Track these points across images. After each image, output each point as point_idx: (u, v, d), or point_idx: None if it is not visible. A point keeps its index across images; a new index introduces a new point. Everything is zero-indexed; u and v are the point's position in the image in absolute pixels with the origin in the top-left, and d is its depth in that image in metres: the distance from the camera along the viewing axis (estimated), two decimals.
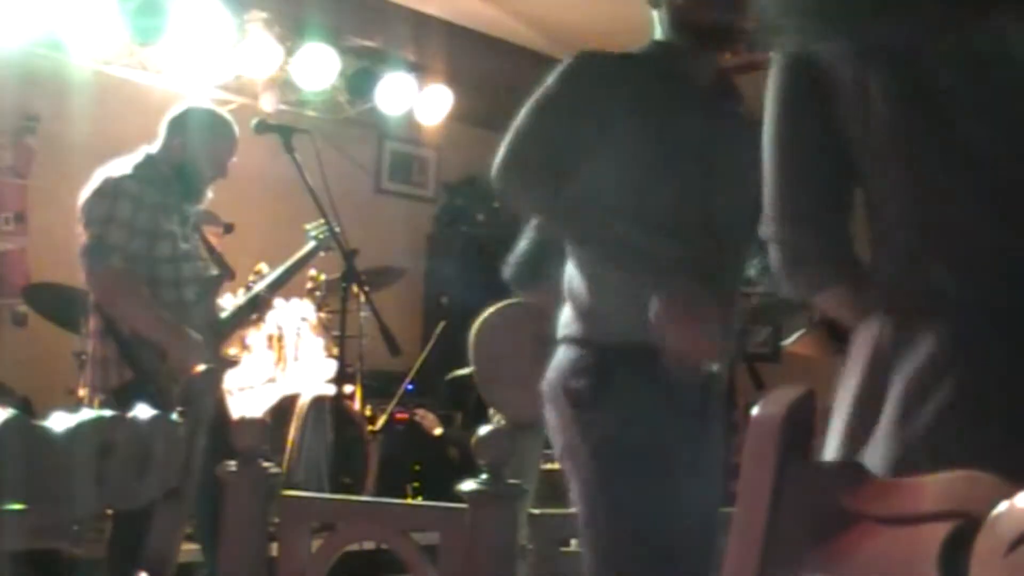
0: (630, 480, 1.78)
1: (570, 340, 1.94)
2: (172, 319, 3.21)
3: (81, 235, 3.23)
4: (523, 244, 3.74)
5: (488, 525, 1.79)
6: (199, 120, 3.44)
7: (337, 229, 3.89)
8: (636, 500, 1.78)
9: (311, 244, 3.93)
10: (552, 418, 1.93)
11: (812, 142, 1.33)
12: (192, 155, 3.36)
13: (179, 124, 3.40)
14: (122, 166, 3.26)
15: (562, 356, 1.95)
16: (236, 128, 3.50)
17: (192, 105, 3.51)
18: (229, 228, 4.73)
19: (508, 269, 3.75)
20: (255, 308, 3.92)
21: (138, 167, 3.27)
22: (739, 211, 1.93)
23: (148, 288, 3.21)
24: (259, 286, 3.85)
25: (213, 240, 4.29)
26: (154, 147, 3.36)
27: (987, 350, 1.17)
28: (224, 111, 3.59)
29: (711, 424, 1.91)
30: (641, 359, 1.79)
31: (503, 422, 3.68)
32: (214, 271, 3.53)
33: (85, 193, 3.22)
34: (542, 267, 3.64)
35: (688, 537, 1.77)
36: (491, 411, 3.78)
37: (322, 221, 3.92)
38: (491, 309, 3.74)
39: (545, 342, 3.56)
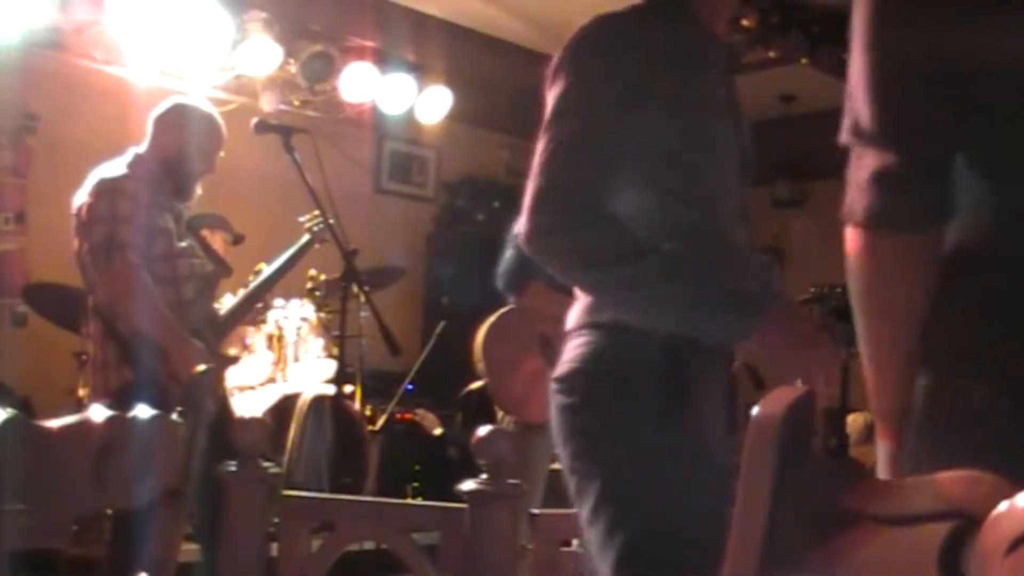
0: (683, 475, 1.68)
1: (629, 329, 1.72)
2: (176, 321, 3.21)
3: (76, 237, 3.23)
4: (509, 252, 3.77)
5: (488, 525, 1.79)
6: (185, 116, 3.43)
7: (332, 222, 3.89)
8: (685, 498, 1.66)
9: (305, 237, 3.93)
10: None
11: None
12: (180, 151, 3.35)
13: (165, 121, 3.39)
14: (114, 167, 3.26)
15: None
16: (222, 122, 3.50)
17: (177, 101, 3.50)
18: (239, 239, 4.73)
19: (500, 279, 3.78)
20: (253, 305, 3.92)
21: (129, 166, 3.27)
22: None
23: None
24: (256, 282, 3.85)
25: (219, 246, 4.29)
26: (142, 146, 3.36)
27: None
28: (210, 106, 3.58)
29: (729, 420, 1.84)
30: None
31: (512, 424, 3.69)
32: (210, 269, 3.53)
33: (81, 195, 3.22)
34: (530, 270, 3.67)
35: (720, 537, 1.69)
36: (500, 414, 3.79)
37: (315, 213, 3.92)
38: (495, 315, 3.76)
39: (549, 342, 3.59)
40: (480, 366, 3.79)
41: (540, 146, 1.69)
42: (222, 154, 3.50)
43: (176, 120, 3.39)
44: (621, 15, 1.76)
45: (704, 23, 1.83)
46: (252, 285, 3.87)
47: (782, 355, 1.63)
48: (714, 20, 1.85)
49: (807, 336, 1.65)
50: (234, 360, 3.79)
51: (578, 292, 1.81)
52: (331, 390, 4.54)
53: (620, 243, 1.64)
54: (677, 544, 1.64)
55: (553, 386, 1.77)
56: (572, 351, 1.75)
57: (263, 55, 5.62)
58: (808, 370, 1.63)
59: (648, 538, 1.66)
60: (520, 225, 1.67)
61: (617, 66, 1.70)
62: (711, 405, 1.74)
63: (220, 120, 3.49)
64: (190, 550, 3.25)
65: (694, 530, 1.61)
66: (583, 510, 1.72)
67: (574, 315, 1.80)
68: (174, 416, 1.65)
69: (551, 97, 1.72)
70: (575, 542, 2.09)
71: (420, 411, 5.69)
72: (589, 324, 1.75)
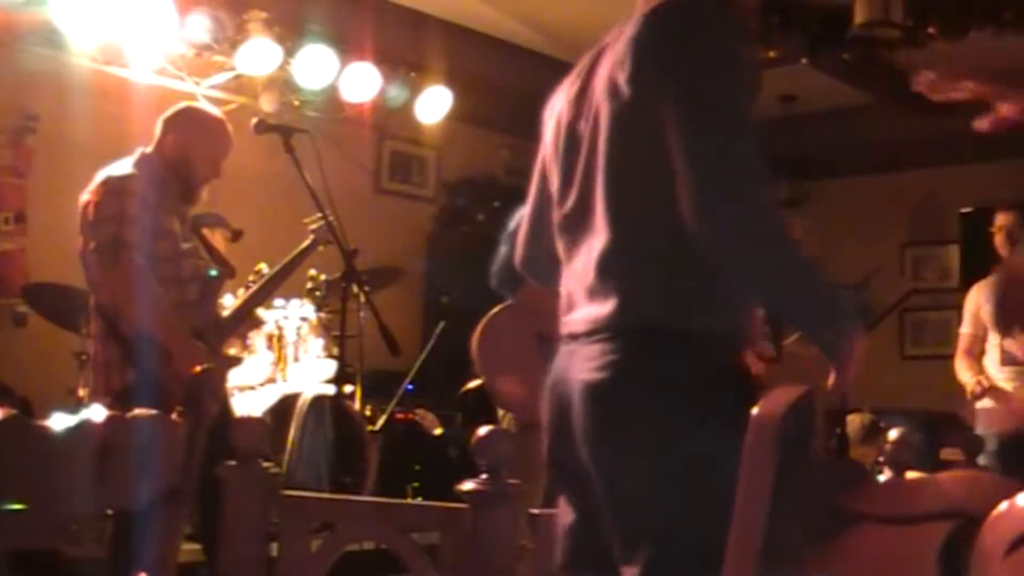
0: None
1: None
2: (179, 322, 3.21)
3: (80, 237, 3.22)
4: (504, 250, 3.75)
5: (488, 525, 1.79)
6: (194, 120, 3.43)
7: (334, 220, 3.89)
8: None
9: (309, 239, 3.92)
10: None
11: None
12: (187, 155, 3.36)
13: (174, 124, 3.40)
14: (122, 166, 3.26)
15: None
16: (230, 128, 3.50)
17: (187, 105, 3.51)
18: (238, 235, 4.73)
19: (494, 277, 3.77)
20: (257, 307, 3.91)
21: (136, 167, 3.27)
22: None
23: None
24: (260, 284, 3.86)
25: (220, 244, 4.29)
26: (149, 147, 3.37)
27: None
28: (219, 111, 3.59)
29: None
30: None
31: (513, 423, 3.69)
32: (214, 270, 3.53)
33: (87, 194, 3.22)
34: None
35: None
36: (500, 413, 3.78)
37: (319, 216, 3.91)
38: (490, 312, 3.74)
39: (547, 340, 3.57)
40: (477, 364, 3.77)
41: (708, 133, 1.66)
42: (227, 159, 3.50)
43: (185, 124, 3.40)
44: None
45: None
46: (255, 287, 3.87)
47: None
48: None
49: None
50: (237, 361, 3.80)
51: (592, 293, 1.75)
52: (331, 390, 4.54)
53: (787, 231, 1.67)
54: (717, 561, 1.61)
55: (582, 391, 1.71)
56: (600, 355, 1.69)
57: (263, 55, 5.62)
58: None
59: (690, 552, 1.63)
60: (706, 211, 1.63)
61: (740, 49, 1.72)
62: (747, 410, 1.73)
63: (228, 126, 3.50)
64: (190, 550, 3.25)
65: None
66: (644, 526, 1.66)
67: (587, 316, 1.74)
68: (174, 416, 1.65)
69: (685, 74, 1.67)
70: None
71: (420, 411, 5.69)
72: (614, 328, 1.69)
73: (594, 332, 1.72)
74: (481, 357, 3.72)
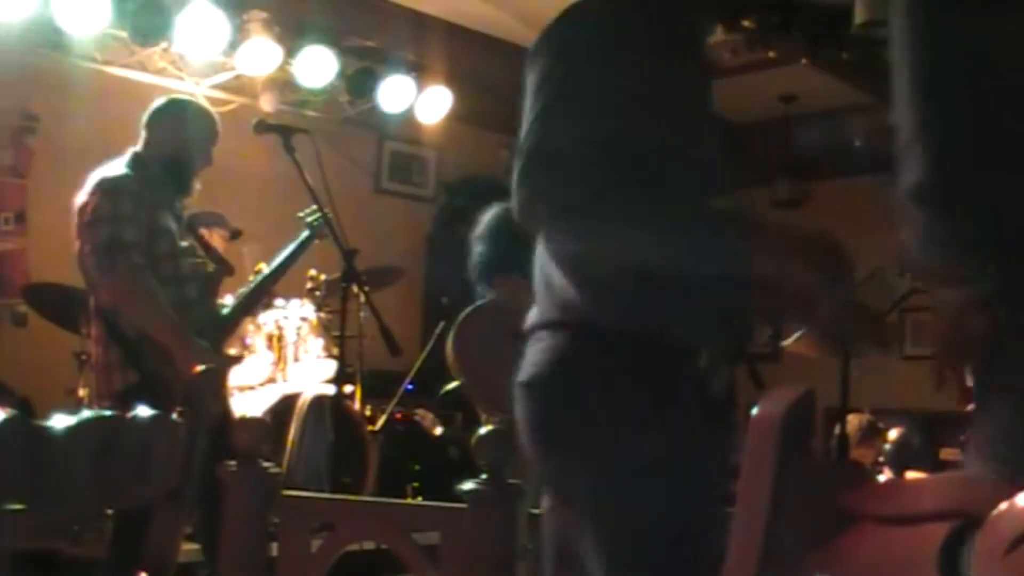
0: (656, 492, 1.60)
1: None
2: (181, 322, 3.21)
3: (77, 238, 3.22)
4: (479, 248, 3.75)
5: (488, 525, 1.79)
6: (180, 112, 3.43)
7: (330, 216, 3.89)
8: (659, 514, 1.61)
9: (305, 232, 3.92)
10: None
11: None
12: (180, 148, 3.36)
13: (161, 119, 3.40)
14: (114, 167, 3.26)
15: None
16: (215, 114, 3.50)
17: (170, 98, 3.51)
18: (237, 233, 4.73)
19: (473, 272, 3.75)
20: (255, 304, 3.91)
21: (129, 166, 3.27)
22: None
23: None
24: (257, 280, 3.85)
25: (219, 243, 4.29)
26: (138, 145, 3.37)
27: None
28: (200, 99, 3.59)
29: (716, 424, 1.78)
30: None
31: (500, 423, 3.68)
32: (212, 268, 3.53)
33: (82, 196, 3.22)
34: (503, 265, 3.66)
35: (692, 545, 1.64)
36: (483, 415, 3.77)
37: (315, 208, 3.91)
38: (463, 314, 3.74)
39: (522, 338, 3.55)
40: (455, 366, 3.76)
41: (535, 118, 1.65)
42: (217, 146, 3.50)
43: (172, 117, 3.40)
44: None
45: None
46: (252, 284, 3.87)
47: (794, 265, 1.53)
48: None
49: (814, 240, 1.57)
50: (237, 360, 3.80)
51: (541, 288, 1.73)
52: (331, 390, 4.54)
53: (605, 180, 1.55)
54: (664, 557, 1.61)
55: (518, 391, 1.71)
56: (536, 353, 1.70)
57: (263, 55, 5.62)
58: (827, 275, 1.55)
59: (635, 550, 1.63)
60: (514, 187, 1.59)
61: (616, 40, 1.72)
62: (689, 407, 1.66)
63: (213, 112, 3.50)
64: (190, 550, 3.25)
65: (681, 540, 1.59)
66: (566, 512, 1.68)
67: (535, 313, 1.73)
68: (174, 416, 1.65)
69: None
70: None
71: (420, 411, 5.69)
72: (552, 323, 1.69)
73: (532, 329, 1.73)
74: (460, 359, 3.72)
